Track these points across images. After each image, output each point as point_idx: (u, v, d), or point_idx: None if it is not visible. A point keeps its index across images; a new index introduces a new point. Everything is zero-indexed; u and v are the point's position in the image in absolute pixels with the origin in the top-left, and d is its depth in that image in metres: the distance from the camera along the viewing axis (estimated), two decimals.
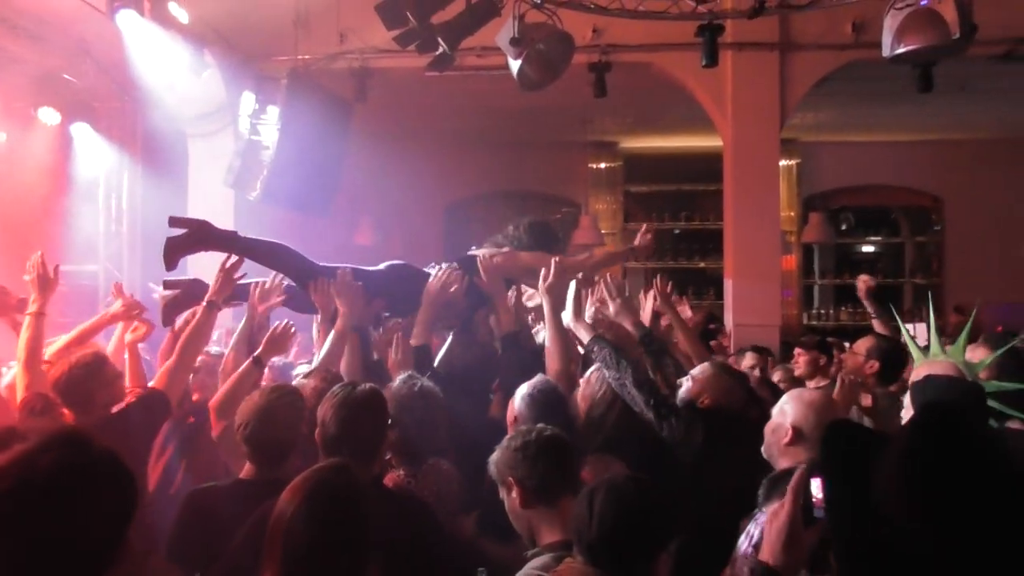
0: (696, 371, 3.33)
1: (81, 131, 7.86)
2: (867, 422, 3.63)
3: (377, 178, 7.72)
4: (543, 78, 5.74)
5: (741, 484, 2.55)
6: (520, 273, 4.32)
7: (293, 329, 3.71)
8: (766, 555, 1.55)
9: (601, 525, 1.98)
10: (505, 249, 4.40)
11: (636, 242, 4.77)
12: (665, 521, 2.05)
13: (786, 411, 2.74)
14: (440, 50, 5.65)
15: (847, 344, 5.70)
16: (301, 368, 4.05)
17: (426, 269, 4.34)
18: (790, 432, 2.67)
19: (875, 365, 4.15)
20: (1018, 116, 9.57)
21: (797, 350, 5.47)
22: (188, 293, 4.09)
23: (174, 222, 3.90)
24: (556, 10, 5.55)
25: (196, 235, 3.91)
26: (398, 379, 3.18)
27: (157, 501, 3.43)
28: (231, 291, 3.74)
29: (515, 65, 5.53)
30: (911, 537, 1.17)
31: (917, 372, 3.01)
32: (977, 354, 3.24)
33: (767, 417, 2.82)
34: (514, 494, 2.39)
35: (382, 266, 4.39)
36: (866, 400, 3.78)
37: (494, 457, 2.50)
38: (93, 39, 6.96)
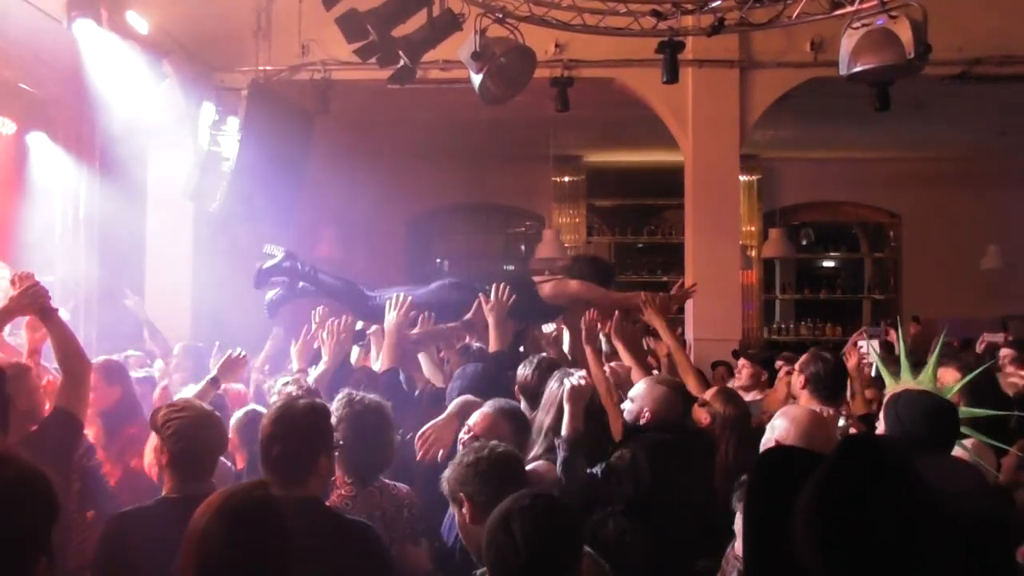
0: (632, 391, 3.38)
1: (37, 140, 7.70)
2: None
3: (339, 190, 7.67)
4: (505, 92, 5.75)
5: (698, 498, 2.56)
6: (566, 300, 4.56)
7: (244, 355, 3.90)
8: None
9: (530, 549, 1.91)
10: (558, 277, 4.69)
11: (674, 291, 4.83)
12: (579, 534, 2.05)
13: (774, 426, 2.77)
14: (401, 63, 5.64)
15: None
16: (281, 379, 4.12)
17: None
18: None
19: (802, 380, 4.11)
20: (972, 135, 9.79)
21: (741, 361, 5.50)
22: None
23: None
24: (518, 25, 5.58)
25: (283, 260, 4.68)
26: (341, 396, 3.13)
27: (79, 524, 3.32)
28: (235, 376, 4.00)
29: (477, 79, 5.53)
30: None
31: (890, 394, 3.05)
32: (947, 376, 3.28)
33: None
34: (464, 510, 2.37)
35: (432, 285, 4.81)
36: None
37: (446, 473, 2.48)
38: (50, 48, 6.83)
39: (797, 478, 1.14)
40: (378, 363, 4.33)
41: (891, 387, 3.13)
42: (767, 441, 2.76)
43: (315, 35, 7.19)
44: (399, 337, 4.24)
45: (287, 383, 3.59)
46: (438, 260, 11.71)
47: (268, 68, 7.39)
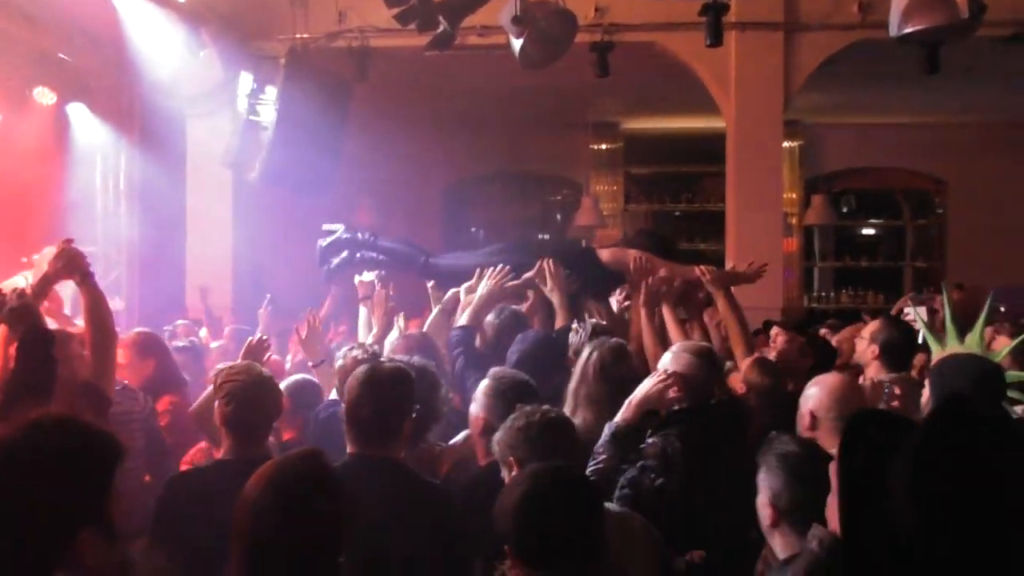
0: (660, 363, 3.15)
1: (77, 111, 7.79)
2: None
3: (376, 158, 7.67)
4: (545, 57, 5.68)
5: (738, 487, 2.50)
6: (625, 267, 4.51)
7: (267, 340, 3.83)
8: None
9: (546, 525, 1.89)
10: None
11: (742, 268, 4.64)
12: (598, 507, 2.03)
13: (808, 396, 2.73)
14: (441, 29, 5.59)
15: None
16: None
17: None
18: (807, 418, 2.65)
19: (876, 350, 4.07)
20: (1022, 99, 9.49)
21: (775, 329, 5.40)
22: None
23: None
24: None
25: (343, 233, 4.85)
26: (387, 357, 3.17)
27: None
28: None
29: (517, 44, 5.46)
30: (924, 542, 1.11)
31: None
32: (997, 341, 3.21)
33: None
34: (514, 473, 2.37)
35: (491, 247, 5.00)
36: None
37: (497, 436, 2.47)
38: (89, 18, 6.87)
39: (888, 440, 1.16)
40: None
41: (938, 353, 3.05)
42: (802, 414, 2.71)
43: (352, 2, 7.14)
44: (489, 301, 4.20)
45: (352, 348, 3.60)
46: (474, 229, 11.71)
47: (305, 36, 7.35)
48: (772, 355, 4.82)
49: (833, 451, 2.49)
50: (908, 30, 4.97)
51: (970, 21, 4.80)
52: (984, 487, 1.09)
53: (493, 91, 8.66)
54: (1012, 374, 2.93)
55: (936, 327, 4.30)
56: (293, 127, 6.90)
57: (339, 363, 3.49)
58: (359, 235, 4.95)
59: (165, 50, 6.92)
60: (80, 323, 3.60)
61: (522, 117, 10.03)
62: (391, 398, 2.60)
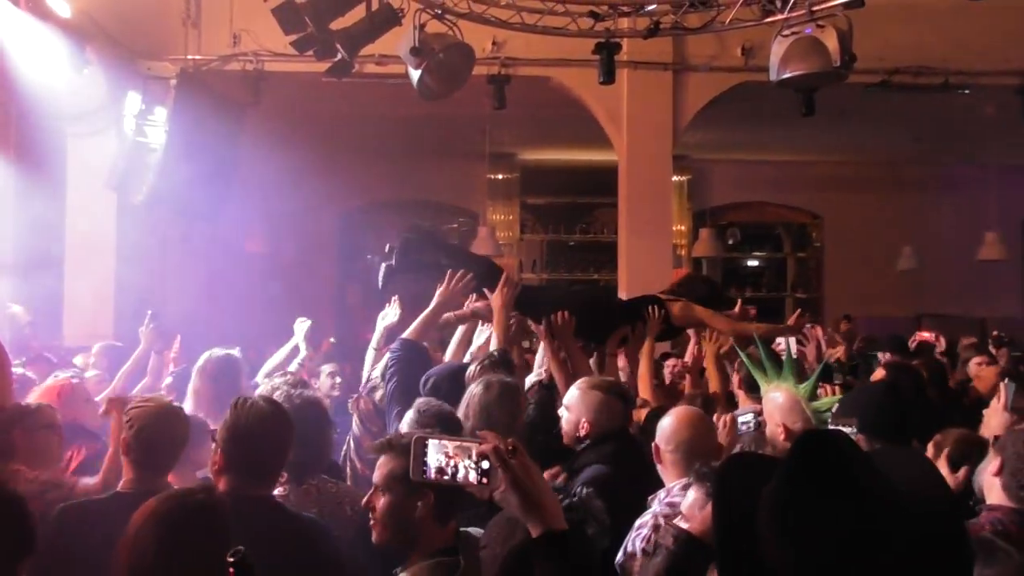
0: (566, 399, 3.14)
1: None
2: None
3: (271, 183, 7.53)
4: (443, 88, 5.74)
5: None
6: (691, 324, 4.70)
7: None
8: None
9: None
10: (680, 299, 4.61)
11: (791, 322, 4.86)
12: None
13: (658, 428, 2.82)
14: (339, 56, 5.57)
15: None
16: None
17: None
18: (655, 450, 2.77)
19: (738, 380, 4.18)
20: (891, 140, 10.20)
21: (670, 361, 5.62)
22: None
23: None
24: (457, 21, 5.57)
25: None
26: (279, 391, 3.09)
27: None
28: None
29: (415, 75, 5.51)
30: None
31: (765, 393, 3.14)
32: (824, 393, 3.37)
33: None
34: None
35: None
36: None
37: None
38: None
39: (758, 481, 1.15)
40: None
41: (763, 386, 3.19)
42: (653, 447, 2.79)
43: (247, 25, 7.03)
44: (439, 312, 4.02)
45: (280, 375, 3.55)
46: (369, 256, 11.60)
47: (198, 57, 7.20)
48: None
49: (669, 483, 2.59)
50: (786, 75, 5.30)
51: (842, 69, 5.13)
52: (847, 517, 1.09)
53: (391, 119, 8.67)
54: (825, 402, 3.05)
55: (804, 360, 4.56)
56: (183, 150, 6.71)
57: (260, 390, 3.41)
58: (423, 241, 4.65)
59: (46, 66, 6.62)
60: None
61: (420, 146, 10.07)
62: (263, 437, 2.51)
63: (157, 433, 2.68)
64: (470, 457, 1.71)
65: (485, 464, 1.69)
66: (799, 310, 5.17)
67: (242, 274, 7.61)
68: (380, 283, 4.29)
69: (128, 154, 6.74)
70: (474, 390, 3.02)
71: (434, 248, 4.74)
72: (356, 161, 10.08)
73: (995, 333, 7.04)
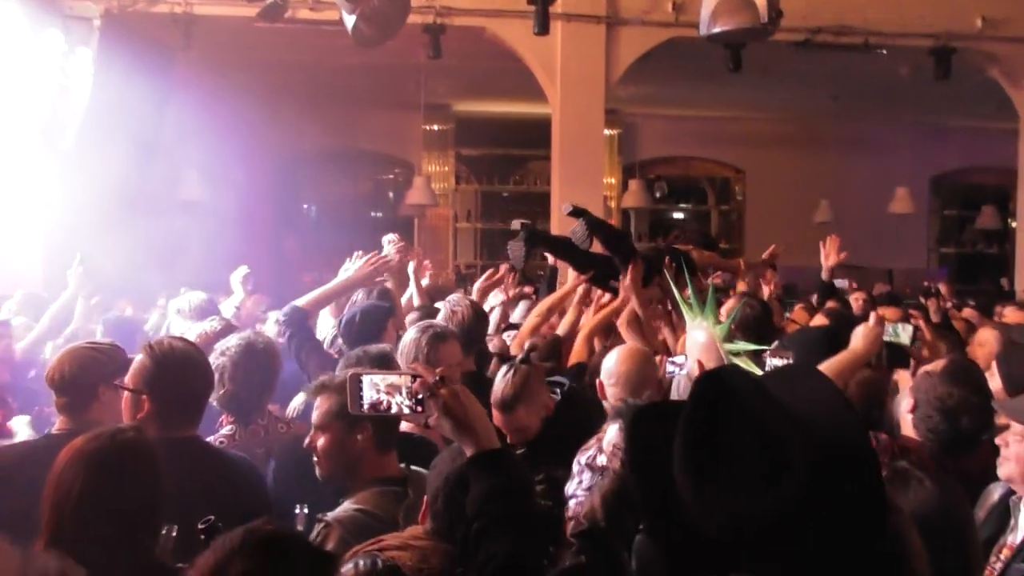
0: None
1: None
2: None
3: (204, 131, 7.40)
4: (377, 36, 5.70)
5: None
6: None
7: None
8: None
9: None
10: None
11: (766, 256, 5.36)
12: None
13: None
14: (271, 0, 5.53)
15: None
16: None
17: None
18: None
19: None
20: (812, 99, 10.58)
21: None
22: None
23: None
24: None
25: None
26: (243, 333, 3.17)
27: None
28: None
29: (350, 21, 5.47)
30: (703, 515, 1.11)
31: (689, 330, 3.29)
32: (724, 312, 3.53)
33: None
34: None
35: None
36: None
37: None
38: None
39: (666, 427, 1.18)
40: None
41: (689, 323, 3.27)
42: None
43: None
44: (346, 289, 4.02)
45: (213, 319, 3.55)
46: (305, 205, 11.53)
47: None
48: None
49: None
50: (715, 30, 5.47)
51: (768, 26, 5.33)
52: (750, 448, 1.10)
53: (326, 67, 8.58)
54: (739, 345, 3.09)
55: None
56: (110, 94, 6.55)
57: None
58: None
59: None
60: None
61: (355, 95, 9.99)
62: (183, 378, 2.53)
63: (79, 371, 2.67)
64: (404, 390, 1.85)
65: (418, 395, 1.84)
66: (774, 245, 5.53)
67: (175, 222, 7.49)
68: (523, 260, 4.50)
69: (52, 98, 6.55)
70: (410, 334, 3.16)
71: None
72: (292, 109, 9.95)
73: (926, 284, 7.53)
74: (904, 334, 3.14)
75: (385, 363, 2.92)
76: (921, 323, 4.05)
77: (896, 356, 3.61)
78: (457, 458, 1.96)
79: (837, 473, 1.11)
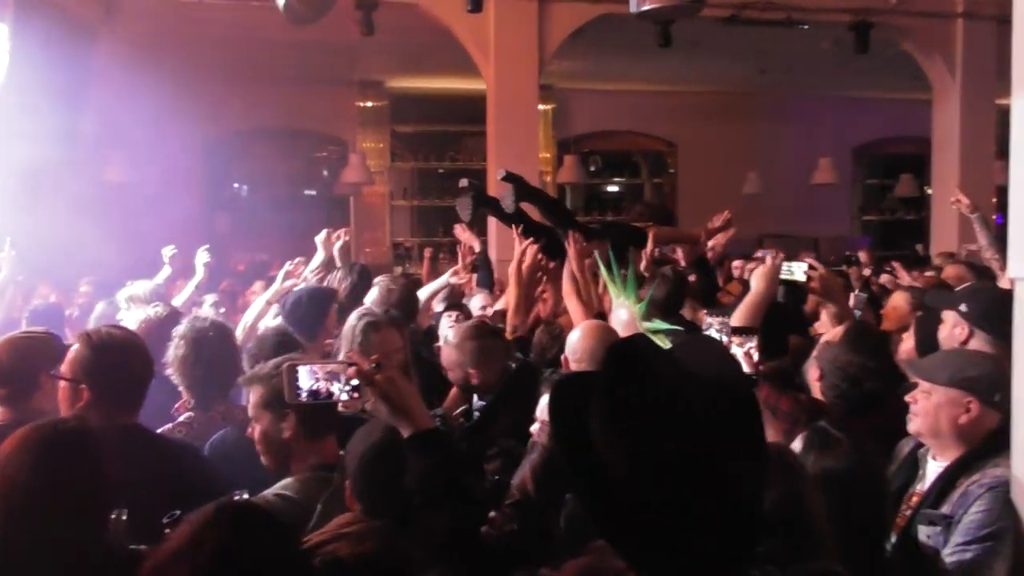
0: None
1: None
2: None
3: (129, 109, 7.20)
4: (309, 13, 5.63)
5: None
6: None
7: None
8: None
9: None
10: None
11: (714, 224, 5.53)
12: None
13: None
14: None
15: None
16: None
17: None
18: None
19: None
20: (740, 72, 10.82)
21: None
22: None
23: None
24: None
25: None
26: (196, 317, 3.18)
27: None
28: None
29: None
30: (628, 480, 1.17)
31: (615, 309, 3.46)
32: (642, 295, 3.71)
33: None
34: None
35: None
36: None
37: None
38: None
39: (584, 395, 1.26)
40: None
41: (615, 301, 3.48)
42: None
43: None
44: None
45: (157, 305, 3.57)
46: (236, 185, 11.31)
47: None
48: None
49: None
50: (645, 7, 5.54)
51: (696, 3, 5.45)
52: (656, 407, 1.18)
53: (257, 43, 8.41)
54: (655, 324, 3.26)
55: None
56: (27, 72, 6.32)
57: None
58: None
59: None
60: None
61: (288, 72, 9.82)
62: (123, 367, 2.54)
63: (20, 361, 2.67)
64: (342, 378, 1.95)
65: (355, 382, 1.93)
66: (727, 211, 5.74)
67: (102, 204, 7.30)
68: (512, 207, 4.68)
69: None
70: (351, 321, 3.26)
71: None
72: (221, 87, 9.72)
73: (847, 253, 7.89)
74: (799, 271, 3.33)
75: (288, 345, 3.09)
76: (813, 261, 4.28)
77: (792, 292, 4.00)
78: (370, 435, 2.06)
79: (727, 418, 1.21)
